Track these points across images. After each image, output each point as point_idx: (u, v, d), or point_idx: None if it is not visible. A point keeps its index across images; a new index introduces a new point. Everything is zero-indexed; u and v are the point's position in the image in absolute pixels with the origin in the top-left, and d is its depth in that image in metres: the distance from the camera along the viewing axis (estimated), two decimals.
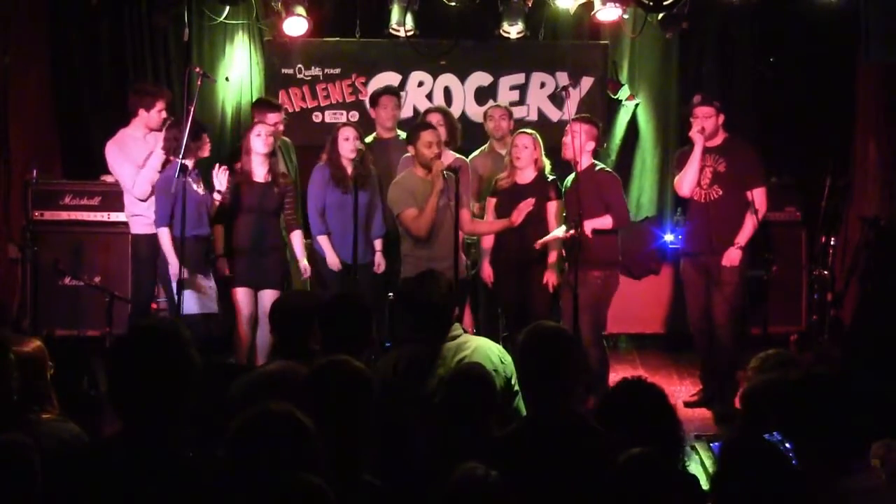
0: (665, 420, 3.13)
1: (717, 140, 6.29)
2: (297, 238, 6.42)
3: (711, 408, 6.23)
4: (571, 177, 6.17)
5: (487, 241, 6.38)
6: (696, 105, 6.30)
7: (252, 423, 2.51)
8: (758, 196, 6.17)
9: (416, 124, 6.44)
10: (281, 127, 6.73)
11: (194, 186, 6.06)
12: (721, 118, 6.28)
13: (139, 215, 6.44)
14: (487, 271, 6.36)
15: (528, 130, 6.37)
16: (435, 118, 6.68)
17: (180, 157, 5.87)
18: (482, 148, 7.01)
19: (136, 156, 6.42)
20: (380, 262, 6.44)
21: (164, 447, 2.63)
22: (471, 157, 6.91)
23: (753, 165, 6.30)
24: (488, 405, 3.51)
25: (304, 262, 6.37)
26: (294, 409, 2.55)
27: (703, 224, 6.33)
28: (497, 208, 6.33)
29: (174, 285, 5.95)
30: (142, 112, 6.54)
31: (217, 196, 6.15)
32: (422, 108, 7.83)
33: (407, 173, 6.15)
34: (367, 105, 7.23)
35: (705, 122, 6.21)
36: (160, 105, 6.55)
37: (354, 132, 6.30)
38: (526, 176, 6.24)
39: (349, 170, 6.24)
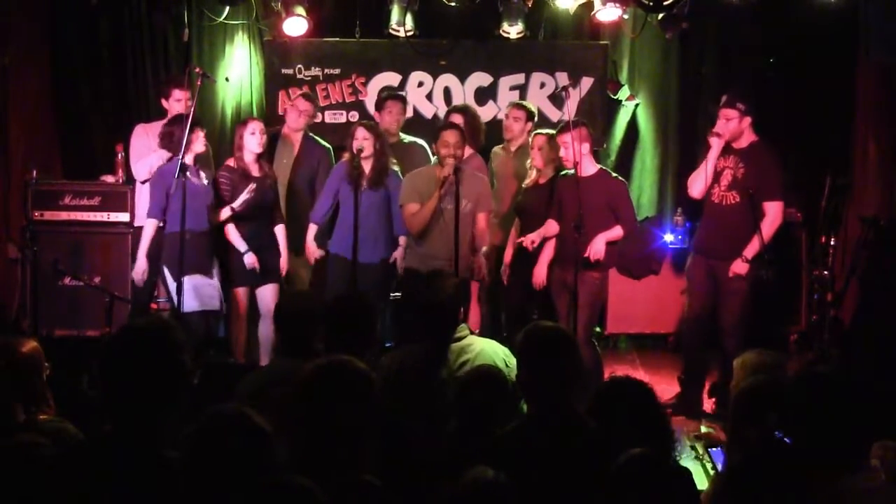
0: (653, 415, 3.15)
1: (743, 143, 6.12)
2: (280, 232, 6.46)
3: (688, 414, 6.05)
4: (563, 173, 6.18)
5: (511, 245, 6.48)
6: (721, 106, 6.14)
7: (206, 428, 2.52)
8: (772, 210, 6.03)
9: (441, 125, 6.45)
10: (304, 118, 6.85)
11: (195, 181, 6.06)
12: (746, 121, 6.08)
13: (144, 207, 6.50)
14: (507, 272, 6.42)
15: (544, 131, 6.42)
16: (456, 119, 6.67)
17: (180, 155, 5.87)
18: (502, 144, 7.07)
19: (154, 144, 6.46)
20: (398, 258, 6.40)
21: (151, 447, 2.64)
22: (493, 150, 7.04)
23: (772, 177, 6.09)
24: (500, 406, 3.53)
25: (283, 260, 6.41)
26: (248, 410, 2.56)
27: (714, 226, 6.21)
28: (516, 209, 6.48)
29: (170, 282, 5.97)
30: (163, 102, 6.72)
31: (228, 211, 6.17)
32: (422, 109, 7.86)
33: (426, 168, 6.23)
34: (373, 108, 7.25)
35: (726, 126, 6.06)
36: (177, 94, 6.63)
37: (364, 133, 6.26)
38: (546, 176, 6.31)
39: (366, 169, 6.26)
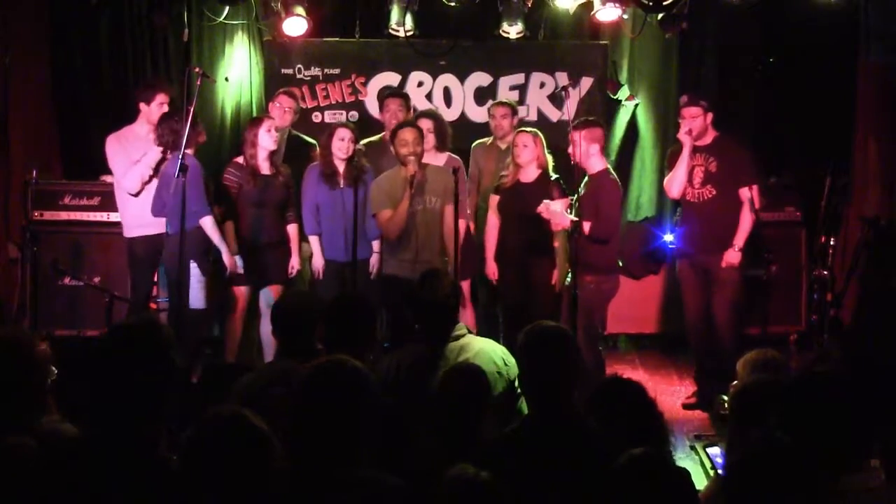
0: (646, 415, 3.15)
1: (707, 139, 6.33)
2: (292, 231, 6.47)
3: (709, 410, 6.19)
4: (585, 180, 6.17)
5: (491, 239, 6.39)
6: (682, 106, 6.35)
7: (204, 429, 2.52)
8: (752, 193, 6.18)
9: (398, 123, 6.42)
10: (290, 115, 6.89)
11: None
12: (709, 117, 6.31)
13: (133, 217, 6.46)
14: (492, 268, 6.38)
15: (529, 129, 6.40)
16: (425, 124, 6.59)
17: (180, 153, 5.85)
18: (484, 140, 7.04)
19: (134, 151, 6.43)
20: (374, 264, 6.42)
21: (146, 447, 2.64)
22: (474, 144, 7.00)
23: (745, 163, 6.32)
24: (481, 402, 3.52)
25: (294, 260, 6.40)
26: (246, 411, 2.57)
27: (697, 224, 6.35)
28: (500, 206, 6.35)
29: (193, 280, 5.94)
30: (142, 106, 6.59)
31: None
32: (422, 109, 7.84)
33: (391, 172, 6.13)
34: (376, 111, 7.26)
35: (692, 123, 6.24)
36: (160, 98, 6.55)
37: (350, 134, 6.32)
38: (529, 174, 6.26)
39: (340, 168, 6.28)
